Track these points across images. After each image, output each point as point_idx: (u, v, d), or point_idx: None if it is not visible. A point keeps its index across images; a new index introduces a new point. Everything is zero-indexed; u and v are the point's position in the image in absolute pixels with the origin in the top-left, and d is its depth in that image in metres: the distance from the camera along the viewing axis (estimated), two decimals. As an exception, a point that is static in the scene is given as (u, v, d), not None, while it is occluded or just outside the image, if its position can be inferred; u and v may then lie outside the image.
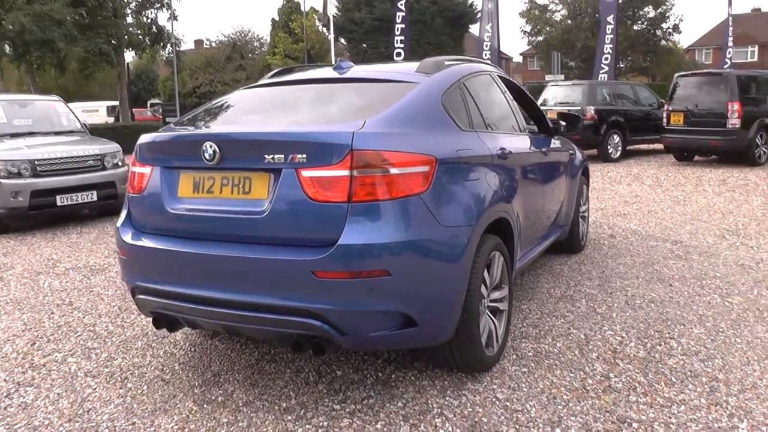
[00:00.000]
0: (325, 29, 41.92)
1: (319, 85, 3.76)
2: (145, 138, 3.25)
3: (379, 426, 2.88)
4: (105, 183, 8.05)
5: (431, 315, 2.91)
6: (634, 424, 2.88)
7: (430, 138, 3.02)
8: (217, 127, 3.34)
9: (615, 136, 13.63)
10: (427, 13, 38.17)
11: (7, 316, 4.59)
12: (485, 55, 19.60)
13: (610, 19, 19.84)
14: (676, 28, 40.75)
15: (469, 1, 41.36)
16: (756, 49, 50.81)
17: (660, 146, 14.27)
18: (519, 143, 4.15)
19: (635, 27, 41.70)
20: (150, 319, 3.49)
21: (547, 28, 43.87)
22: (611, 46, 19.68)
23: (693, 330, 3.97)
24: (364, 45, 41.19)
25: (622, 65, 40.18)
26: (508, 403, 3.07)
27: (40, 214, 7.80)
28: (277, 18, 41.23)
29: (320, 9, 37.54)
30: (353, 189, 2.67)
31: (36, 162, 7.54)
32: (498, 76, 4.41)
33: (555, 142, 5.07)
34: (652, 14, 40.63)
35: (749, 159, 11.71)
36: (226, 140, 2.90)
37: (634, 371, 3.40)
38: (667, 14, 39.60)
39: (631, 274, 5.22)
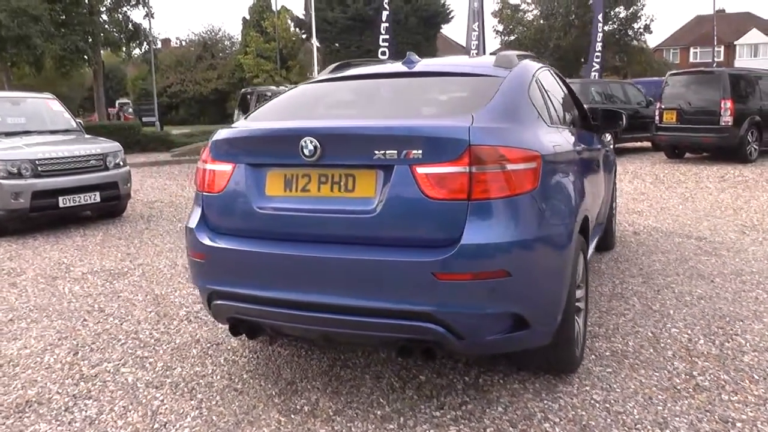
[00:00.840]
0: (297, 29, 41.59)
1: (400, 79, 3.57)
2: (224, 133, 3.05)
3: None
4: (108, 184, 7.73)
5: (543, 316, 2.80)
6: (738, 424, 2.81)
7: (531, 133, 2.90)
8: (314, 121, 3.11)
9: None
10: (401, 13, 38.07)
11: (35, 324, 4.33)
12: (473, 54, 19.59)
13: (600, 17, 20.09)
14: (647, 28, 41.44)
15: (442, 1, 41.44)
16: (722, 49, 52.02)
17: (647, 144, 14.42)
18: (584, 139, 4.07)
19: (606, 27, 42.27)
20: (217, 325, 3.30)
21: (520, 28, 44.15)
22: (600, 44, 19.90)
23: (753, 326, 3.93)
24: (337, 45, 40.96)
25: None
26: (608, 405, 2.97)
27: (40, 216, 7.46)
28: (248, 17, 40.63)
29: (290, 8, 37.34)
30: (472, 186, 2.53)
31: (37, 162, 7.19)
32: (553, 71, 4.33)
33: (597, 138, 5.01)
34: (623, 14, 41.22)
35: (741, 156, 11.90)
36: (329, 135, 2.71)
37: (715, 369, 3.34)
38: (639, 14, 40.20)
39: (670, 270, 5.18)
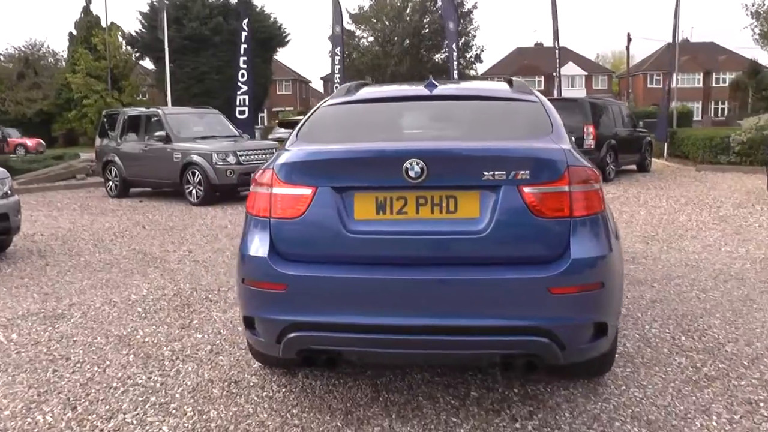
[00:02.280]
0: (129, 47, 39.29)
1: (450, 102, 3.60)
2: (300, 156, 2.91)
3: None
4: (-3, 216, 6.84)
5: (615, 322, 3.00)
6: (762, 403, 3.20)
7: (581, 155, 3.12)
8: (413, 143, 3.03)
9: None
10: (238, 34, 37.58)
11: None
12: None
13: (454, 46, 21.29)
14: (477, 58, 44.47)
15: (279, 24, 41.45)
16: (542, 78, 57.35)
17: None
18: None
19: (438, 56, 44.78)
20: (216, 362, 3.13)
21: (356, 53, 45.20)
22: (456, 72, 21.02)
23: (713, 321, 4.47)
24: (171, 65, 39.36)
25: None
26: (652, 400, 3.25)
27: None
28: (74, 32, 37.76)
29: (121, 25, 35.24)
30: (572, 204, 2.69)
31: None
32: None
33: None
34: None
35: (603, 177, 13.26)
36: (436, 156, 2.72)
37: (712, 360, 3.76)
38: (470, 44, 43.02)
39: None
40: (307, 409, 3.23)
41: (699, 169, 16.00)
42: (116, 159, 12.89)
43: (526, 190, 2.68)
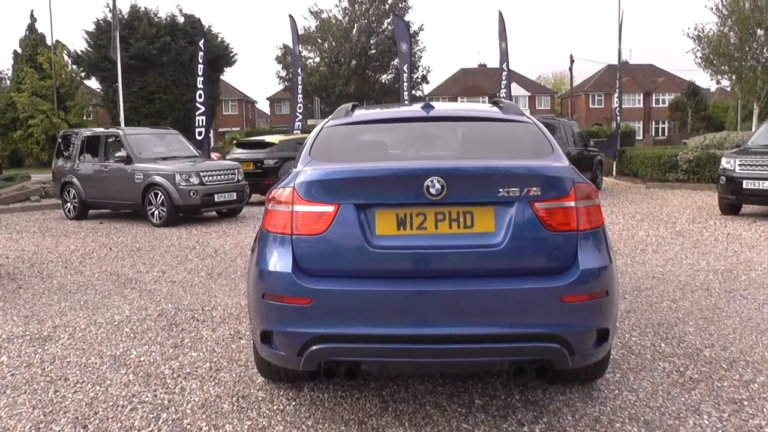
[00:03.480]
0: (75, 66, 38.43)
1: (452, 123, 3.78)
2: (321, 174, 3.02)
3: None
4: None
5: (615, 329, 3.21)
6: (746, 402, 3.45)
7: None
8: (431, 162, 3.15)
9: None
10: (185, 54, 37.22)
11: (-11, 402, 3.71)
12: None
13: (405, 68, 21.64)
14: (424, 78, 45.15)
15: (226, 44, 41.26)
16: (486, 99, 58.58)
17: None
18: None
19: (385, 76, 45.35)
20: (220, 378, 3.22)
21: (302, 74, 45.05)
22: (407, 93, 21.39)
23: (687, 329, 4.76)
24: (116, 84, 38.68)
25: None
26: (645, 403, 3.46)
27: None
28: (19, 50, 36.73)
29: (67, 43, 34.44)
30: (578, 218, 2.90)
31: None
32: None
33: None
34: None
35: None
36: (455, 174, 2.89)
37: (693, 365, 4.01)
38: (417, 65, 43.68)
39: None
40: (321, 421, 3.32)
41: (648, 187, 16.72)
42: (74, 180, 12.65)
43: (538, 205, 2.89)
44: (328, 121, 3.80)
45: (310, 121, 50.29)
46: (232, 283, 6.68)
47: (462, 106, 4.33)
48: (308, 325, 2.91)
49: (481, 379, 3.77)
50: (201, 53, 19.54)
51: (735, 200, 10.76)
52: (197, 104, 18.57)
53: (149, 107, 35.84)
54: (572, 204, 2.93)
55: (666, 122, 59.70)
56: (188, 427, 3.31)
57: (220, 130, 58.84)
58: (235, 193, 11.98)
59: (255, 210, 13.47)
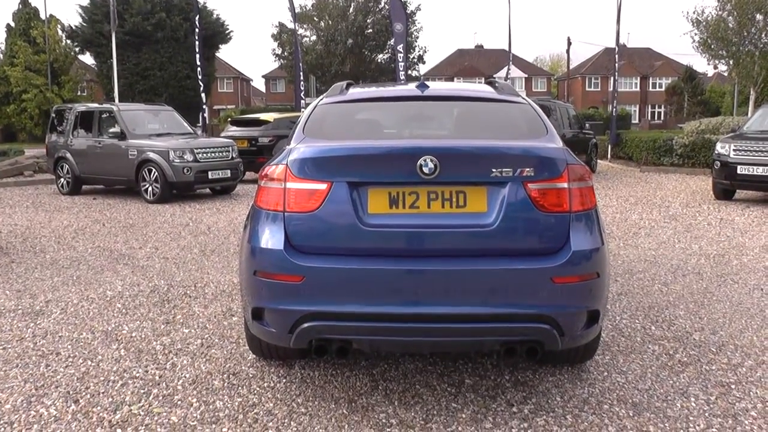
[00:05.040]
0: (70, 41, 38.01)
1: (446, 102, 3.75)
2: (315, 152, 3.00)
3: (569, 419, 3.10)
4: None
5: (605, 311, 3.22)
6: (733, 385, 3.48)
7: None
8: (425, 141, 3.14)
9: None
10: (180, 30, 36.87)
11: (-20, 376, 3.71)
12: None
13: (400, 47, 21.44)
14: (420, 59, 44.84)
15: (221, 20, 40.86)
16: (482, 80, 58.13)
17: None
18: None
19: (382, 56, 44.98)
20: (211, 355, 3.24)
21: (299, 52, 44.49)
22: (403, 72, 21.24)
23: (678, 312, 4.78)
24: (111, 60, 38.22)
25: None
26: (633, 385, 3.49)
27: None
28: (12, 24, 36.28)
29: (60, 18, 34.05)
30: (571, 200, 2.89)
31: None
32: None
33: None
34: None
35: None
36: (448, 154, 2.87)
37: (683, 348, 4.04)
38: (413, 45, 43.38)
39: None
40: (311, 398, 3.34)
41: (643, 170, 16.73)
42: (68, 156, 12.57)
43: (531, 186, 2.88)
44: (321, 99, 3.77)
45: (307, 100, 49.88)
46: (224, 261, 6.68)
47: (457, 86, 4.30)
48: (299, 303, 2.91)
49: (471, 359, 3.79)
50: (197, 30, 19.39)
51: (729, 185, 10.78)
52: (200, 81, 18.58)
53: (144, 83, 35.59)
54: (565, 185, 2.91)
55: (662, 106, 59.58)
56: (179, 402, 3.32)
57: (216, 107, 58.46)
58: (229, 171, 11.93)
59: (249, 188, 13.43)
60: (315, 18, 43.19)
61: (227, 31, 41.13)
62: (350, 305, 2.87)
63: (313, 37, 44.85)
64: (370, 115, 3.65)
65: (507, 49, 20.45)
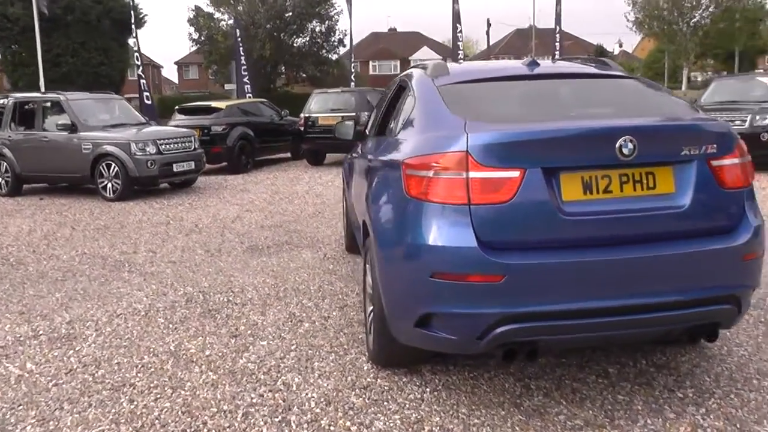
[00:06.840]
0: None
1: (581, 80, 3.52)
2: (504, 137, 2.63)
3: (735, 400, 2.96)
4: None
5: None
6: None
7: None
8: (621, 120, 2.85)
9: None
10: (92, 14, 34.47)
11: (47, 419, 3.10)
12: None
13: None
14: (341, 42, 44.19)
15: (136, 2, 38.54)
16: (398, 62, 58.20)
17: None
18: None
19: (300, 40, 43.89)
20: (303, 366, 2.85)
21: (218, 37, 42.77)
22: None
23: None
24: (15, 46, 35.38)
25: (304, 75, 42.25)
26: (758, 356, 3.35)
27: None
28: None
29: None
30: (744, 175, 2.81)
31: None
32: None
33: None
34: (319, 28, 43.29)
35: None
36: (646, 133, 2.69)
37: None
38: (333, 29, 42.73)
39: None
40: (473, 407, 3.02)
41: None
42: (6, 152, 11.31)
43: (714, 163, 2.74)
44: (433, 80, 3.34)
45: (227, 86, 48.03)
46: (240, 261, 6.13)
47: (561, 64, 4.05)
48: (497, 305, 2.59)
49: (593, 349, 3.56)
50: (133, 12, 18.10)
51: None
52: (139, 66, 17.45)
53: (55, 71, 32.95)
54: (738, 160, 2.81)
55: (574, 83, 61.62)
56: (332, 430, 2.87)
57: (127, 96, 55.44)
58: (193, 162, 11.14)
59: (209, 180, 12.67)
60: (232, 1, 41.60)
61: (141, 15, 38.67)
62: (557, 303, 2.59)
63: (230, 21, 43.12)
64: (514, 96, 3.28)
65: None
